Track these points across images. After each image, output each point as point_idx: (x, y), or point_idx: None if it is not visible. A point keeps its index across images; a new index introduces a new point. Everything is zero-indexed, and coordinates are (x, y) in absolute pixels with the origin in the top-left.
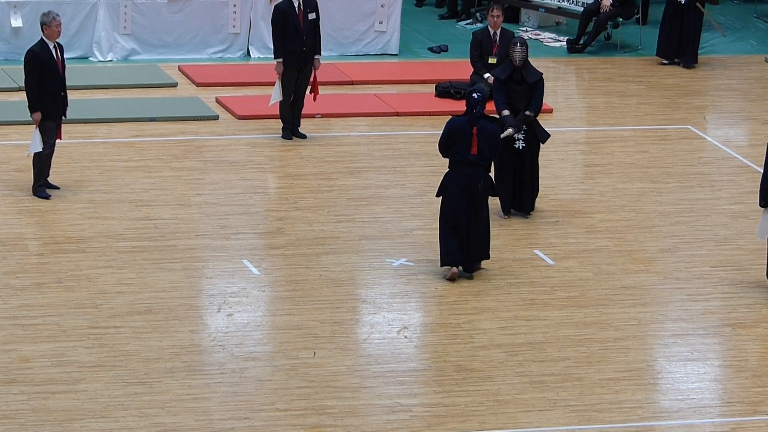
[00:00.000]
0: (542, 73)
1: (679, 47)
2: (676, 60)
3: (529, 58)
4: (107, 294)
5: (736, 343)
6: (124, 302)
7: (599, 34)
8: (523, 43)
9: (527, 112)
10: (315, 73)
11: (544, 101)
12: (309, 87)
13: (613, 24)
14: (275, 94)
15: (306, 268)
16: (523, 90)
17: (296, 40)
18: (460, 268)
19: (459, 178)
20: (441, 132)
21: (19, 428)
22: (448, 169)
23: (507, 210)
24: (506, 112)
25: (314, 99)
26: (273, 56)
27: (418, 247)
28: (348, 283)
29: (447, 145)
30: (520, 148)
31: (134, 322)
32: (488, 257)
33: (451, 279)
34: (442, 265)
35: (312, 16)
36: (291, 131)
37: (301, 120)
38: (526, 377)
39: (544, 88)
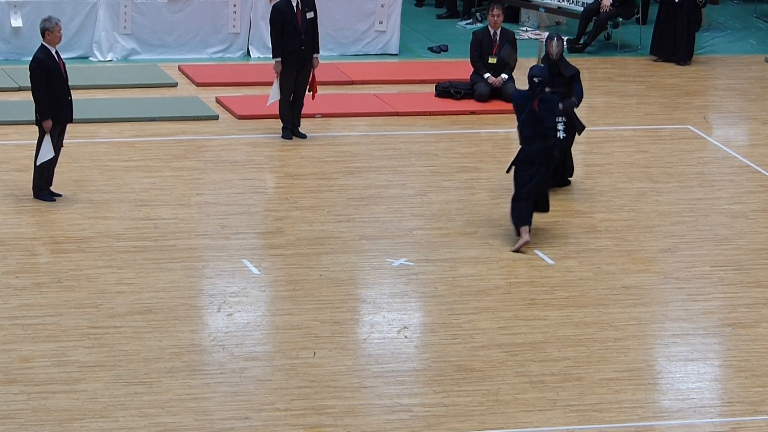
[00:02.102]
0: (578, 69)
1: (674, 45)
2: (672, 58)
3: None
4: (107, 294)
5: (736, 343)
6: (124, 302)
7: (599, 34)
8: (560, 38)
9: (573, 99)
10: (314, 72)
11: None
12: (308, 86)
13: (613, 24)
14: (273, 94)
15: (306, 268)
16: (560, 83)
17: (295, 40)
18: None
19: (531, 155)
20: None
21: (19, 428)
22: (521, 146)
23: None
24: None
25: (312, 97)
26: (271, 56)
27: (418, 247)
28: (348, 283)
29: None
30: (560, 137)
31: (134, 322)
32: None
33: (522, 247)
34: (522, 225)
35: (310, 15)
36: (291, 131)
37: (301, 120)
38: (526, 377)
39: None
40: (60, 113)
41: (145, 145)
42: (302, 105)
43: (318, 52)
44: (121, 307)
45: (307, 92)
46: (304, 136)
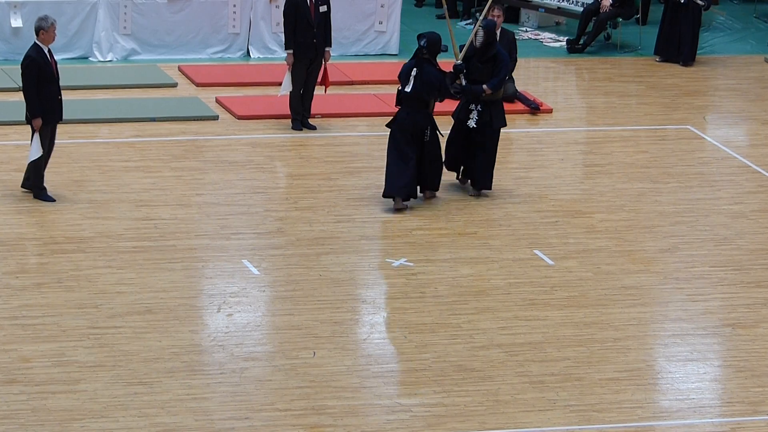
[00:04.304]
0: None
1: (678, 46)
2: (676, 59)
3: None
4: (107, 294)
5: (736, 343)
6: (124, 302)
7: (599, 34)
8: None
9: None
10: (325, 66)
11: (543, 101)
12: (319, 80)
13: (613, 24)
14: (285, 86)
15: (306, 268)
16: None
17: (307, 33)
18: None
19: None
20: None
21: (19, 428)
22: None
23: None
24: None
25: (325, 91)
26: (284, 48)
27: (418, 247)
28: (348, 283)
29: None
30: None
31: (134, 322)
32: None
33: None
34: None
35: (323, 8)
36: (300, 122)
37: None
38: (526, 377)
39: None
40: (50, 112)
41: (144, 145)
42: (312, 97)
43: (330, 46)
44: (121, 307)
45: (319, 85)
46: (313, 128)
